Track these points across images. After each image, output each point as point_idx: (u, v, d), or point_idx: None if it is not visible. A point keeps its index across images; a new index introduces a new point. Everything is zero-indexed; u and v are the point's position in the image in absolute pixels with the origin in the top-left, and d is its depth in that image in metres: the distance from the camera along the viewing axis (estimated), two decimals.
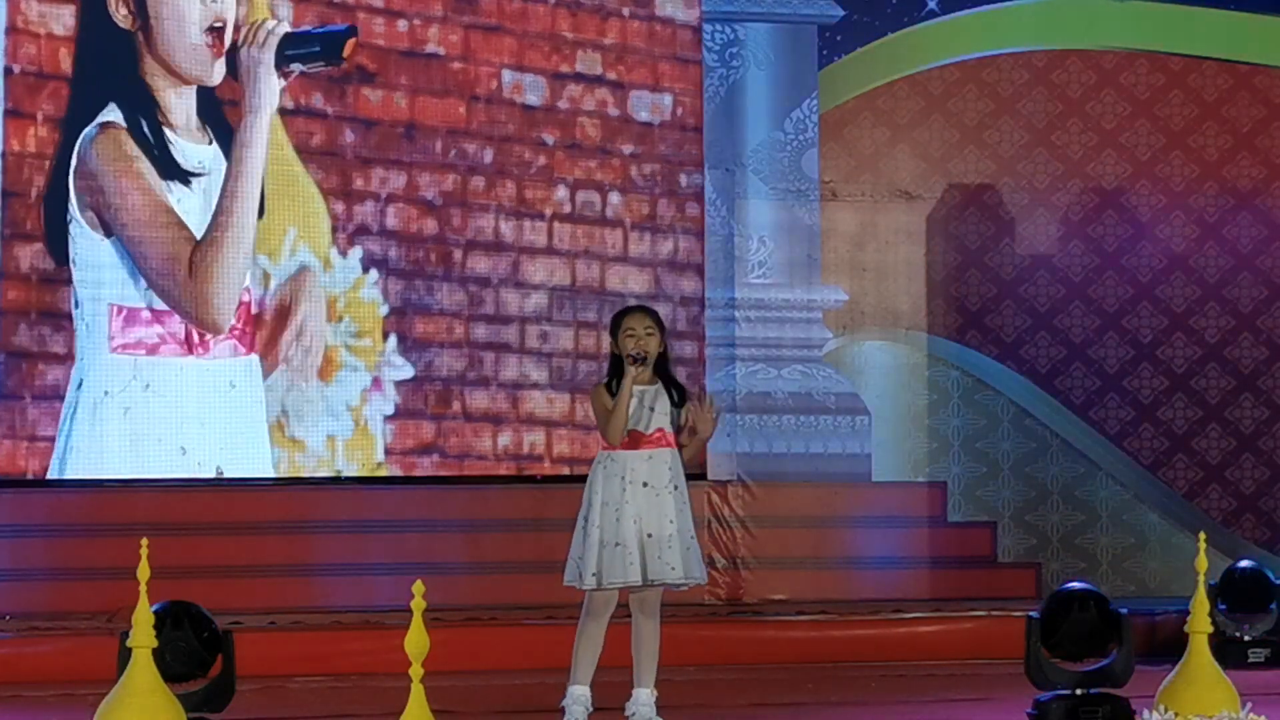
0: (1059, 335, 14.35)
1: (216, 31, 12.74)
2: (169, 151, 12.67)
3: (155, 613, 6.61)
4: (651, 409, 8.26)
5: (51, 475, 12.47)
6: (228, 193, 12.74)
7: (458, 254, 13.26)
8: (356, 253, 13.09)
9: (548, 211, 13.42)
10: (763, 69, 13.93)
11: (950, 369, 14.21)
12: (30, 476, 12.47)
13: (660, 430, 8.30)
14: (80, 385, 12.48)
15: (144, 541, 6.43)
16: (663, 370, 8.40)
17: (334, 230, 13.06)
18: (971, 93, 14.36)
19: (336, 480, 12.99)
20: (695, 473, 13.01)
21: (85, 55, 12.62)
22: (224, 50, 12.76)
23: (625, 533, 8.16)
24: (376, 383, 13.07)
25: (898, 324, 14.18)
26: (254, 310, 12.82)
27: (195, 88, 12.76)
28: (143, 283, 12.57)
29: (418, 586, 5.74)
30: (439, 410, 13.16)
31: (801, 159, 13.93)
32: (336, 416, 12.98)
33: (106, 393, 12.48)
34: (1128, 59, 14.51)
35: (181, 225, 12.64)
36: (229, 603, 10.50)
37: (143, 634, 6.34)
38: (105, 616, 11.48)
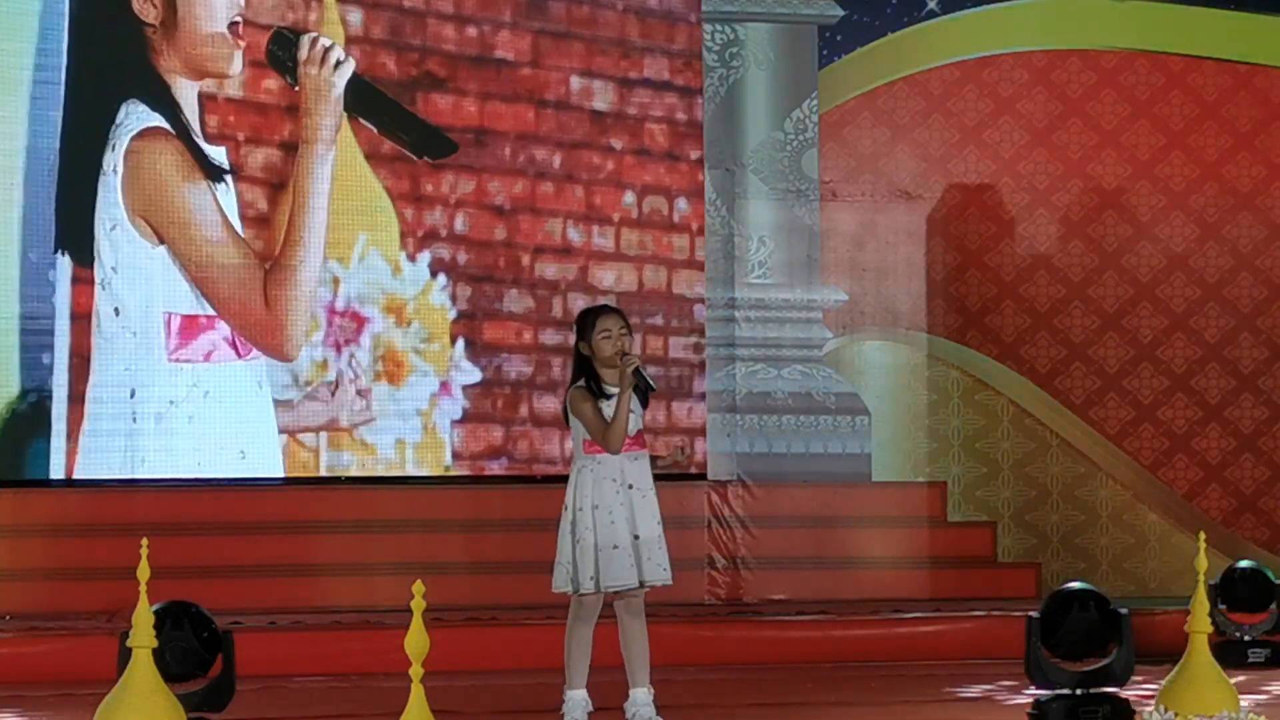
0: (1059, 335, 14.35)
1: (235, 25, 12.74)
2: (203, 152, 12.66)
3: (155, 613, 6.60)
4: (631, 410, 8.22)
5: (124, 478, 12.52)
6: (295, 216, 12.74)
7: (526, 259, 13.29)
8: (425, 258, 13.12)
9: (615, 216, 13.45)
10: (763, 69, 13.93)
11: (950, 369, 14.21)
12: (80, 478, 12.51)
13: (640, 432, 8.28)
14: (134, 395, 12.47)
15: (144, 541, 6.43)
16: (635, 371, 8.34)
17: (403, 235, 13.08)
18: (971, 93, 14.36)
19: (336, 480, 13.00)
20: (695, 473, 13.09)
21: (100, 51, 12.59)
22: (243, 42, 12.75)
23: (620, 535, 8.14)
24: (445, 387, 13.11)
25: (898, 324, 14.19)
26: (324, 316, 12.83)
27: (208, 85, 12.74)
28: (194, 290, 12.55)
29: (418, 586, 5.73)
30: (507, 415, 13.18)
31: (801, 159, 13.93)
32: (406, 420, 13.01)
33: (172, 402, 12.49)
34: (1128, 59, 14.52)
35: (241, 241, 12.61)
36: (229, 603, 10.49)
37: (143, 634, 6.34)
38: (105, 616, 11.48)
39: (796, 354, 13.93)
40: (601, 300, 13.01)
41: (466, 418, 13.14)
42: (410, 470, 13.03)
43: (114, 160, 12.52)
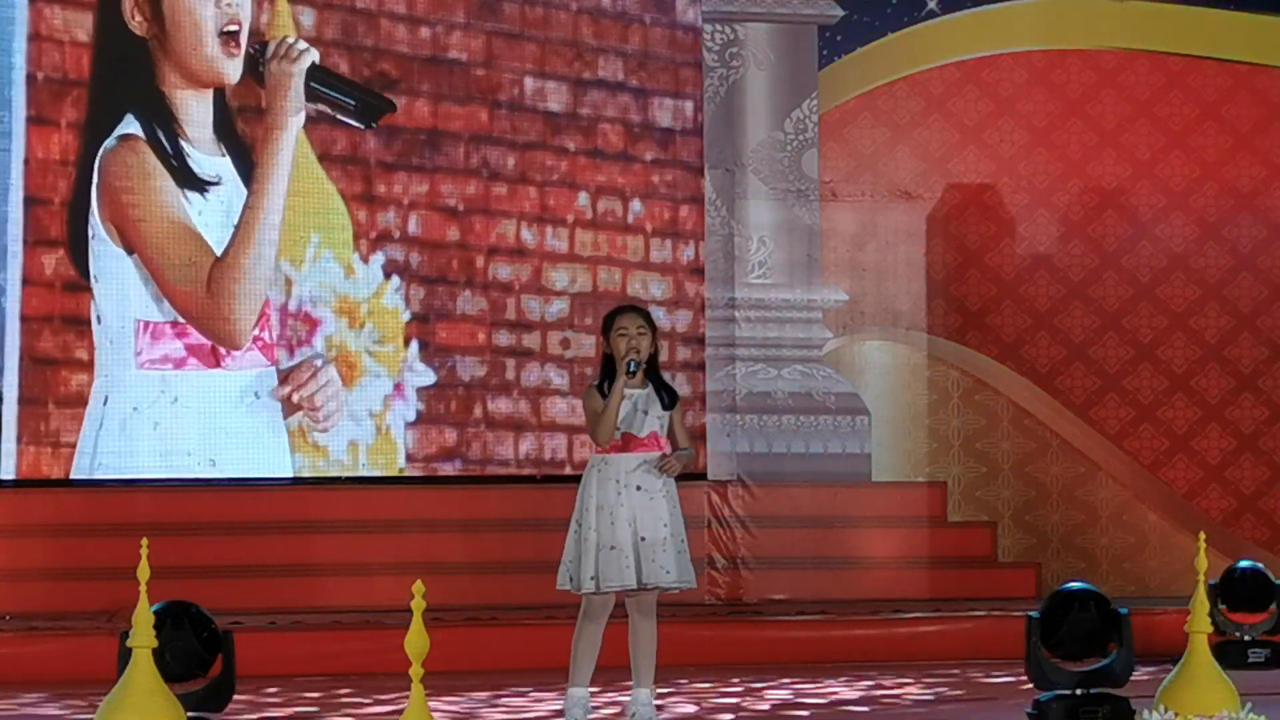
0: (1059, 335, 14.35)
1: (231, 35, 12.75)
2: (186, 162, 12.68)
3: (155, 613, 6.60)
4: (644, 412, 8.21)
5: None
6: (250, 207, 12.76)
7: (480, 260, 13.28)
8: (379, 259, 13.11)
9: (569, 218, 13.44)
10: (763, 69, 13.93)
11: (950, 369, 14.21)
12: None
13: (653, 433, 8.25)
14: (106, 401, 12.49)
15: (144, 541, 6.43)
16: (653, 373, 8.35)
17: (356, 237, 13.07)
18: (971, 93, 14.36)
19: (337, 480, 13.00)
20: (695, 473, 13.07)
21: (103, 63, 12.63)
22: (240, 51, 12.77)
23: (620, 536, 8.13)
24: (399, 389, 13.10)
25: (898, 324, 14.19)
26: (276, 317, 12.83)
27: (211, 97, 12.76)
28: (156, 294, 12.58)
29: (418, 586, 5.73)
30: (461, 416, 13.17)
31: (801, 159, 13.93)
32: (359, 422, 13.01)
33: (135, 409, 12.50)
34: (1128, 59, 14.52)
35: (201, 240, 12.65)
36: (229, 603, 10.49)
37: (143, 634, 6.34)
38: (105, 616, 11.48)
39: (796, 354, 13.93)
40: (555, 301, 13.07)
41: (420, 419, 13.13)
42: (363, 472, 13.02)
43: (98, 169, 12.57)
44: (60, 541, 12.34)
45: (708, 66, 13.82)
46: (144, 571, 6.36)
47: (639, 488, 8.20)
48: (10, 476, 12.49)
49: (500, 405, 13.19)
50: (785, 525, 13.49)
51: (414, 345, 13.15)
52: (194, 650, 7.76)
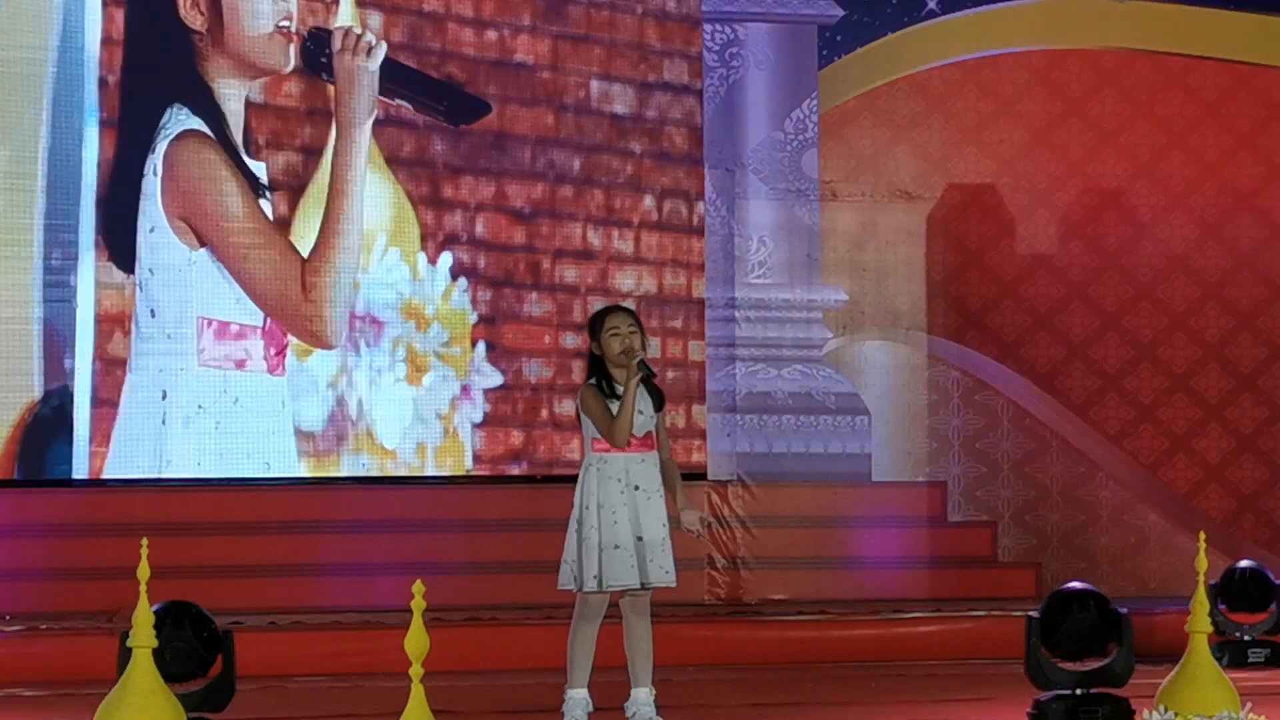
0: (1059, 335, 14.36)
1: (283, 30, 12.74)
2: (245, 163, 12.67)
3: (155, 613, 6.60)
4: (639, 411, 8.21)
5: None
6: (333, 206, 12.75)
7: (546, 262, 13.29)
8: (446, 261, 13.12)
9: (635, 220, 13.45)
10: (763, 69, 13.94)
11: (950, 369, 14.22)
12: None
13: (649, 433, 8.26)
14: (165, 397, 12.48)
15: (144, 541, 6.43)
16: (644, 373, 8.34)
17: (423, 239, 13.08)
18: (971, 93, 14.36)
19: (335, 480, 13.00)
20: (695, 473, 13.08)
21: (148, 59, 12.58)
22: (293, 40, 12.75)
23: (624, 536, 8.13)
24: (466, 390, 13.11)
25: (898, 324, 14.19)
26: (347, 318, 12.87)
27: (255, 94, 12.70)
28: (232, 295, 12.55)
29: (418, 586, 5.74)
30: (528, 418, 13.18)
31: (801, 159, 13.93)
32: (426, 424, 13.02)
33: (200, 407, 12.50)
34: (1128, 59, 14.52)
35: (286, 241, 12.65)
36: (229, 603, 10.49)
37: (143, 634, 6.34)
38: (105, 616, 11.48)
39: (796, 354, 13.93)
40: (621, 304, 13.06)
41: (487, 421, 13.15)
42: (430, 473, 13.05)
43: (154, 163, 12.52)
44: (60, 541, 12.33)
45: (708, 66, 13.83)
46: (144, 571, 6.36)
47: (638, 487, 8.20)
48: (83, 476, 12.46)
49: (567, 407, 13.19)
50: (785, 525, 13.49)
51: (480, 347, 13.16)
52: (194, 650, 7.76)
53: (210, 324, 12.61)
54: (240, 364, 12.65)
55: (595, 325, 8.31)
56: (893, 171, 14.23)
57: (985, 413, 14.23)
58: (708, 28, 13.85)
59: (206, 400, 12.54)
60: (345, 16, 12.92)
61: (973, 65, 14.37)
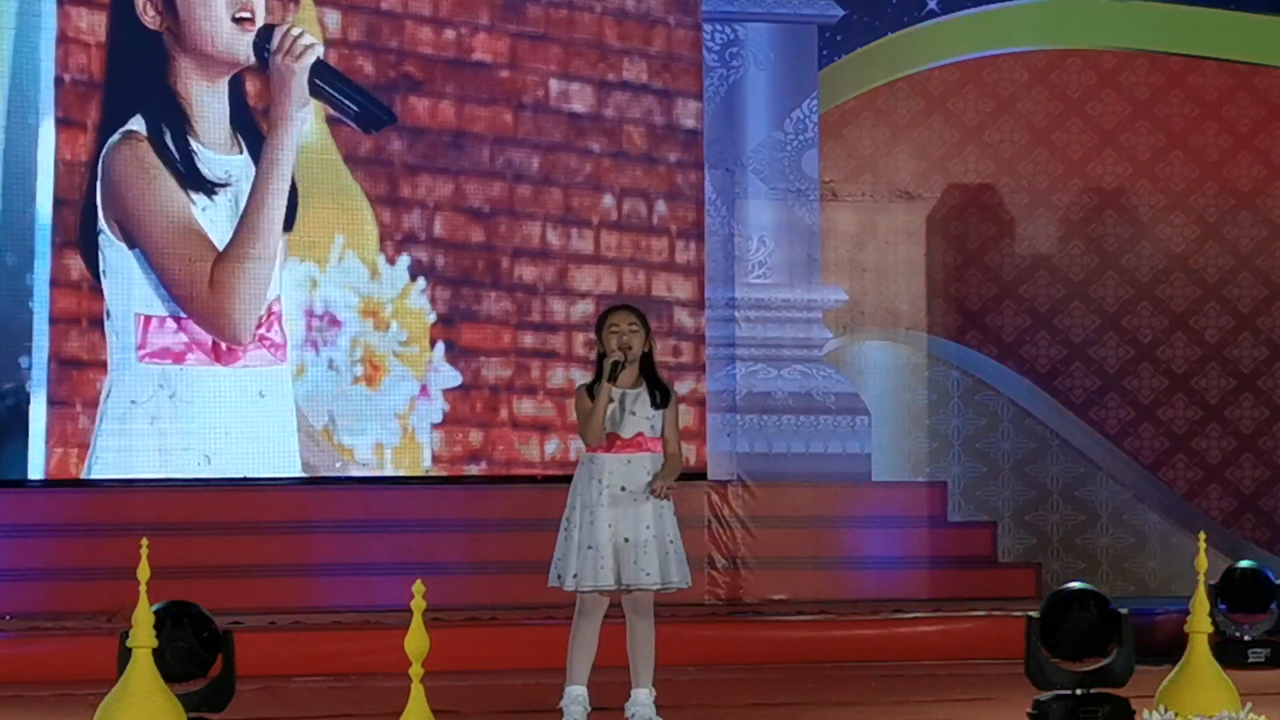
0: (1059, 335, 14.36)
1: (243, 21, 12.74)
2: (193, 161, 12.67)
3: (155, 613, 6.60)
4: (632, 412, 8.18)
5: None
6: (253, 203, 12.76)
7: (505, 262, 13.28)
8: (404, 260, 13.11)
9: (594, 219, 13.44)
10: (763, 69, 13.94)
11: (950, 369, 14.22)
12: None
13: (640, 434, 8.21)
14: (109, 394, 12.50)
15: (144, 541, 6.43)
16: (648, 371, 8.32)
17: (381, 238, 13.07)
18: (971, 93, 14.36)
19: (336, 480, 13.00)
20: (695, 473, 13.08)
21: (118, 62, 12.60)
22: (254, 29, 12.75)
23: (599, 537, 8.10)
24: (424, 390, 13.10)
25: (898, 324, 14.19)
26: (299, 317, 12.83)
27: (226, 90, 12.72)
28: (158, 288, 12.58)
29: (418, 586, 5.74)
30: (486, 418, 13.17)
31: (801, 159, 13.93)
32: (384, 424, 13.01)
33: (134, 402, 12.50)
34: (1128, 59, 14.52)
35: (204, 237, 12.65)
36: (229, 603, 10.49)
37: (143, 634, 6.34)
38: (105, 616, 11.48)
39: (796, 354, 13.93)
40: (580, 303, 13.07)
41: (446, 421, 13.13)
42: (388, 474, 13.04)
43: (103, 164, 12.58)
44: (60, 541, 12.33)
45: (708, 66, 13.83)
46: (144, 571, 6.36)
47: (623, 488, 8.18)
48: (39, 477, 12.47)
49: (525, 407, 13.19)
50: (785, 525, 13.49)
51: (439, 347, 13.15)
52: (194, 650, 7.75)
53: (149, 321, 12.59)
54: (179, 358, 12.62)
55: (600, 323, 8.34)
56: (893, 171, 14.23)
57: (985, 413, 14.23)
58: (708, 28, 13.85)
59: (141, 396, 12.52)
60: (304, 16, 12.91)
61: (973, 65, 14.37)
